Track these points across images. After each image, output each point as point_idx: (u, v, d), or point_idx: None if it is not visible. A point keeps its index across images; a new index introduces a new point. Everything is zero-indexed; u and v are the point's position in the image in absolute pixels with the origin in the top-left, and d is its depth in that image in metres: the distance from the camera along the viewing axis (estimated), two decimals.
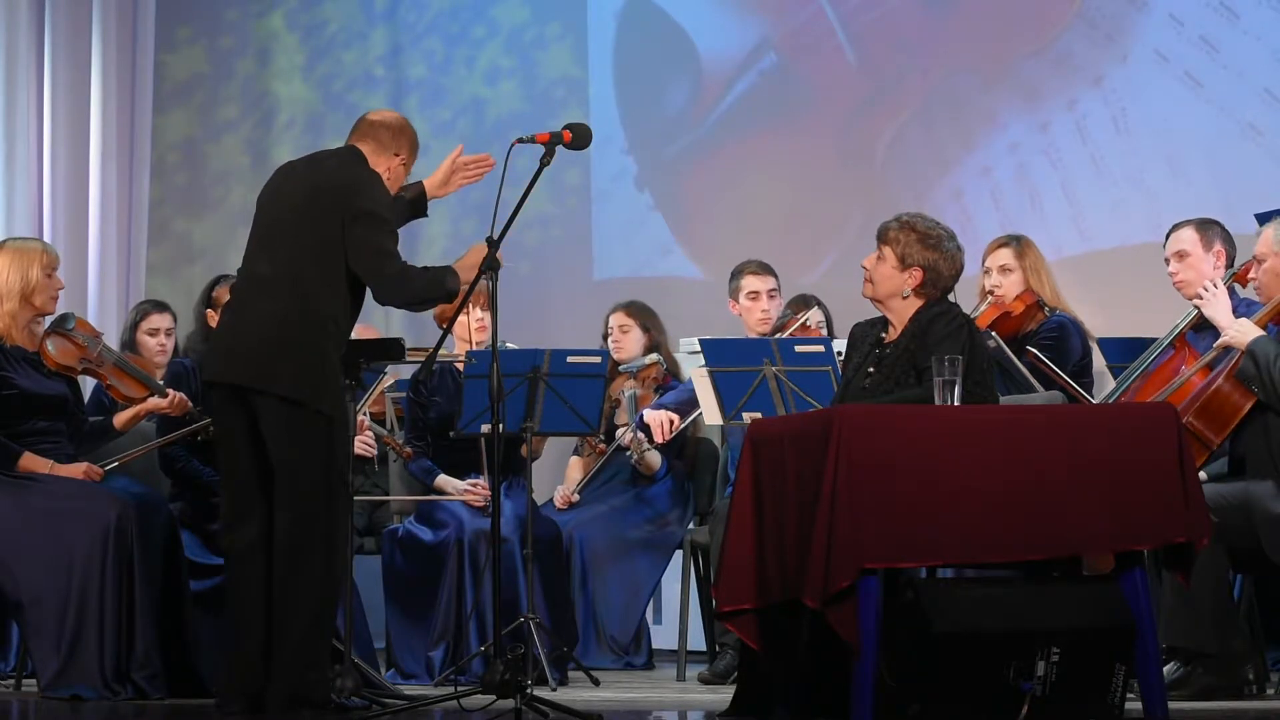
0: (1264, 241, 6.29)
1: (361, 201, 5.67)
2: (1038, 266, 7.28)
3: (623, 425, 7.63)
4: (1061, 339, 7.07)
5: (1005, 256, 7.27)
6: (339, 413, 5.67)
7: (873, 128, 9.04)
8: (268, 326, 5.64)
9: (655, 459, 7.68)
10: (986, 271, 7.28)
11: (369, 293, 5.81)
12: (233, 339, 5.74)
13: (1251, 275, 6.39)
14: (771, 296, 7.69)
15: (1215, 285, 6.38)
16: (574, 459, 7.94)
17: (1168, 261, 6.69)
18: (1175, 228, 6.71)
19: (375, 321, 9.01)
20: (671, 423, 7.46)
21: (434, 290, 5.74)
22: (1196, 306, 6.42)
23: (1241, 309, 6.41)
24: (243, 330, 5.70)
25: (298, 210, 5.73)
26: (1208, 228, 6.65)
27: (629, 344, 7.84)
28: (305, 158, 6.02)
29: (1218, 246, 6.62)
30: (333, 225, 5.65)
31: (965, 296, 6.57)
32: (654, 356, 7.76)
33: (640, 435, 7.55)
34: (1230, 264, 6.63)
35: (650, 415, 7.53)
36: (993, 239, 7.38)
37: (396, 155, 5.85)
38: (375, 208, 5.70)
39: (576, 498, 7.72)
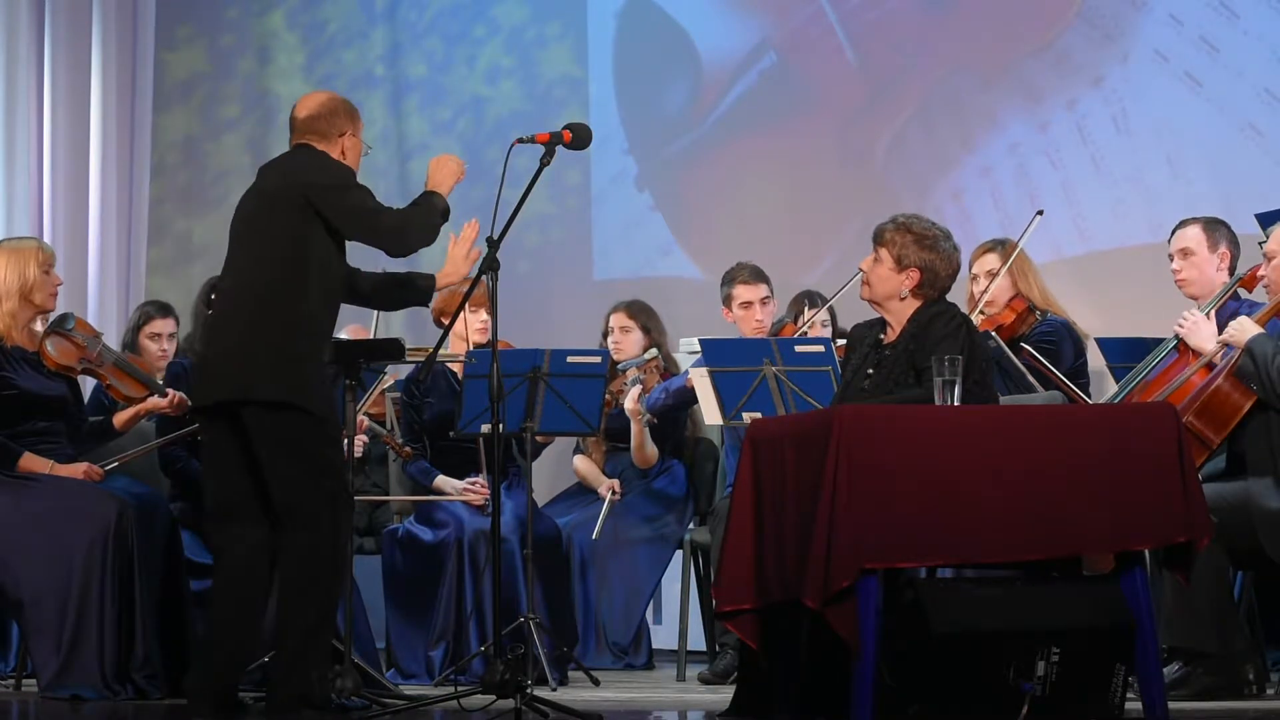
0: (1275, 239, 6.28)
1: (320, 179, 5.64)
2: (1025, 269, 7.26)
3: (625, 392, 7.57)
4: (1056, 344, 7.06)
5: (991, 261, 7.26)
6: (326, 412, 5.62)
7: (873, 128, 9.04)
8: (238, 337, 5.60)
9: (651, 450, 7.68)
10: (974, 278, 7.27)
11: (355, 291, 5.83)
12: (209, 359, 5.72)
13: (1262, 272, 6.37)
14: (765, 304, 7.68)
15: (1192, 313, 6.37)
16: (579, 457, 7.93)
17: (1171, 258, 6.68)
18: (1182, 225, 6.69)
19: (374, 321, 8.99)
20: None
21: (433, 217, 5.70)
22: (1177, 335, 6.39)
23: (1244, 310, 6.40)
24: (217, 348, 5.68)
25: (253, 217, 5.71)
26: (1215, 228, 6.63)
27: (629, 344, 7.83)
28: (266, 164, 5.95)
29: (1223, 248, 6.60)
30: (293, 222, 5.60)
31: (960, 297, 6.57)
32: (652, 352, 7.75)
33: (647, 412, 7.55)
34: (1234, 265, 6.62)
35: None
36: (978, 245, 7.36)
37: (342, 135, 5.80)
38: (335, 180, 5.66)
39: (618, 485, 7.69)
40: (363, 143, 5.87)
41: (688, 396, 7.45)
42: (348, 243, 5.75)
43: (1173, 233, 6.73)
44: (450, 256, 5.87)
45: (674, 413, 7.68)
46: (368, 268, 5.96)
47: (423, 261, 8.97)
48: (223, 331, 5.67)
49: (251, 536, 5.61)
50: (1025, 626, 5.07)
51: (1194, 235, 6.63)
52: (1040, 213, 7.27)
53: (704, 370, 6.80)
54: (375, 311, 7.39)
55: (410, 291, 5.96)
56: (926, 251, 5.75)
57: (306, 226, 5.62)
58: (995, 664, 5.03)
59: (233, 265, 5.74)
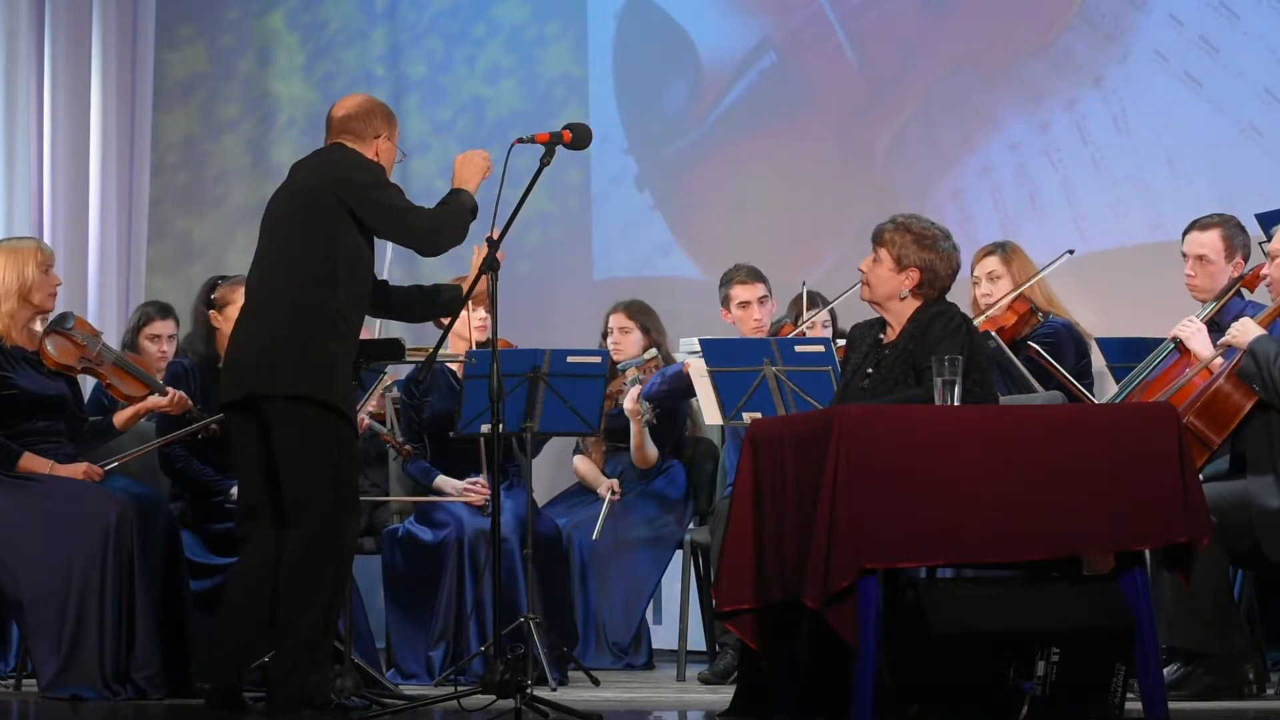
0: (1278, 239, 6.26)
1: (351, 176, 5.65)
2: (1027, 271, 7.24)
3: (624, 393, 7.58)
4: (1057, 344, 7.04)
5: (992, 264, 7.25)
6: (347, 408, 5.64)
7: (873, 128, 9.04)
8: (265, 332, 5.62)
9: (651, 451, 7.68)
10: (975, 281, 7.26)
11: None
12: (235, 354, 5.74)
13: (1265, 272, 6.35)
14: (763, 303, 7.68)
15: (1193, 320, 6.36)
16: (579, 457, 7.93)
17: (1185, 257, 6.62)
18: (1201, 227, 6.59)
19: (373, 322, 8.99)
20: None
21: (463, 216, 5.72)
22: (1175, 340, 6.38)
23: (1248, 310, 6.40)
24: (243, 343, 5.69)
25: (284, 214, 5.72)
26: (1234, 235, 6.52)
27: (628, 345, 7.83)
28: (298, 161, 5.99)
29: (1238, 257, 6.55)
30: (323, 219, 5.62)
31: (960, 299, 6.56)
32: (652, 352, 7.75)
33: (647, 406, 7.54)
34: (1245, 272, 6.57)
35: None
36: (979, 248, 7.36)
37: (377, 137, 5.81)
38: (366, 178, 5.67)
39: (617, 485, 7.69)
40: (398, 149, 5.86)
41: (684, 383, 7.43)
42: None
43: (1187, 231, 6.63)
44: (474, 266, 5.88)
45: (671, 401, 7.65)
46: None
47: (425, 268, 9.00)
48: (250, 328, 5.69)
49: (270, 543, 5.63)
50: (1025, 626, 5.08)
51: (1212, 244, 6.53)
52: (1070, 252, 7.24)
53: (703, 369, 6.80)
54: None
55: (438, 304, 5.98)
56: (926, 251, 5.75)
57: (337, 224, 5.62)
58: (995, 664, 5.03)
59: (261, 262, 5.74)
